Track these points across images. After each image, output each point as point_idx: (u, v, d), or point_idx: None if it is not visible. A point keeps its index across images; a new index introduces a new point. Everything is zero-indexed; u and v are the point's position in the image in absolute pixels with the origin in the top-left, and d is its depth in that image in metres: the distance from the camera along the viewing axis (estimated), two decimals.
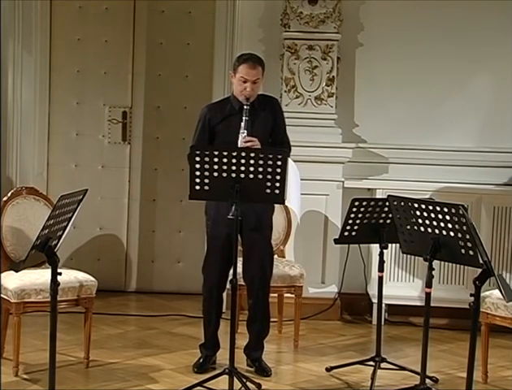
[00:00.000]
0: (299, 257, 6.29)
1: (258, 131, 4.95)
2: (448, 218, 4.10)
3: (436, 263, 4.36)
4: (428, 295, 4.39)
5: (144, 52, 6.96)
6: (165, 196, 7.05)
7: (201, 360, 5.17)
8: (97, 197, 6.95)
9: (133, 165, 7.05)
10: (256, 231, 5.04)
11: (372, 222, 4.99)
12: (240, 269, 5.07)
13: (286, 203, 4.95)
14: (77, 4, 6.92)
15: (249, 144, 4.82)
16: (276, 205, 5.51)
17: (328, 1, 6.31)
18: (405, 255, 6.03)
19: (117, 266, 7.07)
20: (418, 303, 6.06)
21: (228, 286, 4.79)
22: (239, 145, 4.81)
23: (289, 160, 4.66)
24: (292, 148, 5.19)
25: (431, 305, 4.43)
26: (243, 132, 4.87)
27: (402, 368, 5.14)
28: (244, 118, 4.89)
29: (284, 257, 6.10)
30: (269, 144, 5.01)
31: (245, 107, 4.92)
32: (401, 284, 6.37)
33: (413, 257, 6.04)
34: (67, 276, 4.96)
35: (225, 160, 4.47)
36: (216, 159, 4.47)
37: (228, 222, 4.59)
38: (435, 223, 4.18)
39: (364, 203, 4.93)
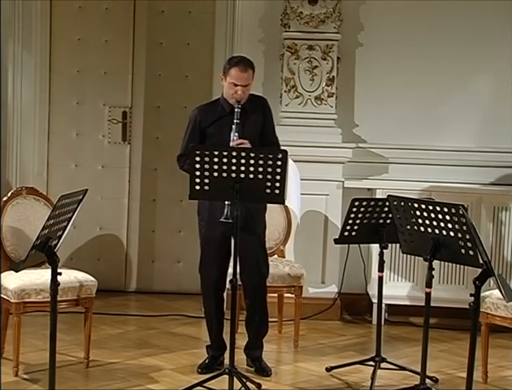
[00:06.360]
0: (299, 257, 6.29)
1: (248, 132, 4.95)
2: (448, 218, 4.10)
3: (436, 263, 4.36)
4: (428, 295, 4.40)
5: (144, 52, 6.96)
6: (165, 196, 7.05)
7: (206, 361, 5.15)
8: (97, 197, 6.95)
9: (133, 165, 7.05)
10: (250, 232, 5.01)
11: (372, 222, 4.98)
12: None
13: (286, 203, 4.95)
14: (77, 4, 6.91)
15: (240, 146, 4.81)
16: (276, 205, 5.51)
17: (328, 1, 6.31)
18: (405, 255, 6.03)
19: (117, 266, 7.06)
20: (418, 303, 6.05)
21: (228, 286, 4.80)
22: None
23: (289, 160, 4.66)
24: (293, 148, 5.19)
25: (431, 305, 4.43)
26: (235, 135, 4.87)
27: (402, 368, 5.13)
28: (235, 121, 4.89)
29: (284, 257, 6.09)
30: (259, 144, 5.00)
31: (236, 110, 4.91)
32: (401, 284, 6.36)
33: (413, 257, 6.04)
34: (67, 276, 4.96)
35: (225, 160, 4.47)
36: (216, 159, 4.47)
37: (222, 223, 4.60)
38: (435, 223, 4.18)
39: (364, 203, 4.93)
